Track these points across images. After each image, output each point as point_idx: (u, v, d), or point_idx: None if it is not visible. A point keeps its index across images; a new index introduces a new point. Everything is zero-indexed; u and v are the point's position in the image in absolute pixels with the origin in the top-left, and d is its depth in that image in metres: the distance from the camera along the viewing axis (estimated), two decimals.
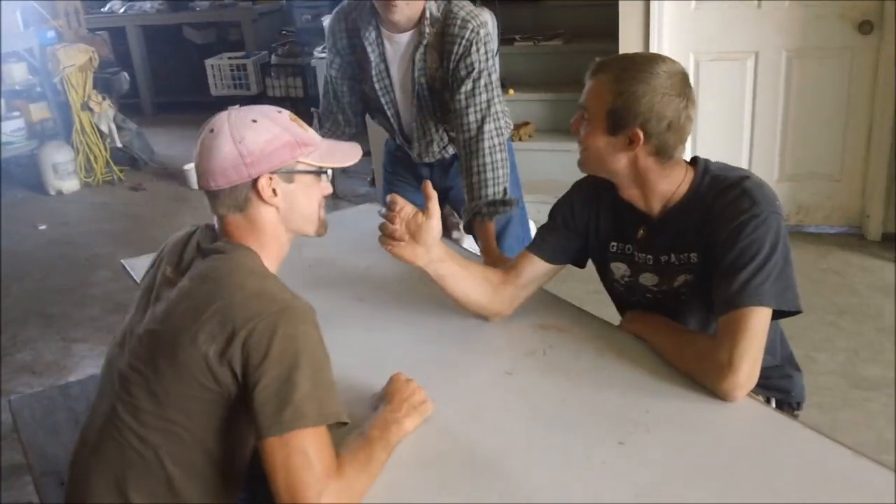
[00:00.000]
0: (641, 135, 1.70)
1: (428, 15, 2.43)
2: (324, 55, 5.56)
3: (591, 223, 1.95)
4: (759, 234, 1.66)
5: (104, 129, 6.11)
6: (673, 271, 1.83)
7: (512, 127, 2.76)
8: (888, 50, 3.94)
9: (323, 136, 1.90)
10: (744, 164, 4.36)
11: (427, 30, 2.43)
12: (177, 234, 1.67)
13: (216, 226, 1.57)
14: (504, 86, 4.99)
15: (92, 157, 6.21)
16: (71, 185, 6.13)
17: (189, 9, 7.68)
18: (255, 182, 1.49)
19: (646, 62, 1.71)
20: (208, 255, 1.51)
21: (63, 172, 6.08)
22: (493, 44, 2.48)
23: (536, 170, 4.44)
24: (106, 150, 6.24)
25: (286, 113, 1.58)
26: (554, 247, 1.96)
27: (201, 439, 1.44)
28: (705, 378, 1.64)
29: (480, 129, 2.42)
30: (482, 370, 1.85)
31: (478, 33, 2.39)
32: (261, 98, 6.77)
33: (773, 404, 1.93)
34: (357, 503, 1.38)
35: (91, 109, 6.03)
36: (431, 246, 1.82)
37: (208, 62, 7.09)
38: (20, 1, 5.99)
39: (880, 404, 2.96)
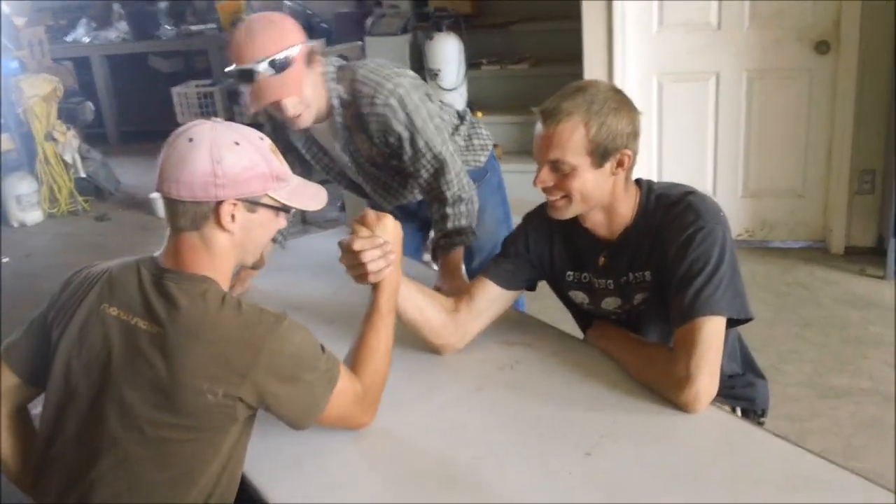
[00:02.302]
0: (630, 152, 1.74)
1: (336, 104, 2.23)
2: None
3: (546, 255, 1.96)
4: (707, 246, 1.69)
5: (68, 159, 6.06)
6: (631, 290, 1.85)
7: (490, 146, 2.65)
8: (845, 69, 4.02)
9: None
10: (708, 182, 4.43)
11: (339, 119, 2.26)
12: (91, 271, 1.58)
13: (167, 245, 1.52)
14: (472, 109, 5.03)
15: (56, 188, 6.14)
16: (34, 216, 6.05)
17: (155, 37, 7.66)
18: (218, 204, 1.46)
19: (591, 89, 1.73)
20: (171, 295, 1.46)
21: (26, 204, 6.00)
22: (417, 93, 2.25)
23: None
24: (70, 180, 6.17)
25: (267, 141, 1.54)
26: (508, 273, 1.95)
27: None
28: (666, 392, 1.67)
29: (438, 183, 2.31)
30: (453, 387, 1.86)
31: (388, 104, 2.19)
32: None
33: (739, 413, 1.96)
34: (384, 376, 1.68)
35: (55, 139, 5.97)
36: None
37: (175, 90, 7.05)
38: None
39: (847, 412, 3.00)
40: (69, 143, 6.05)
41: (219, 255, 1.51)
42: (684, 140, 4.43)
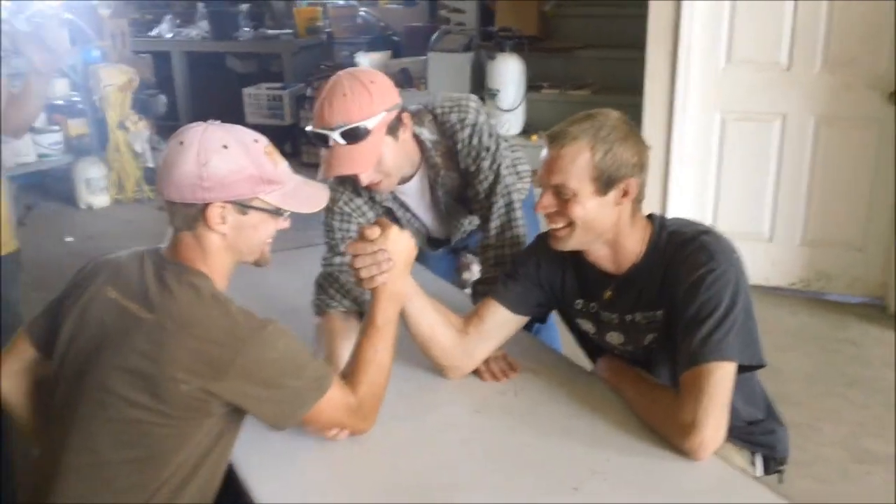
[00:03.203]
0: (635, 182, 1.70)
1: (429, 146, 2.13)
2: None
3: (556, 280, 1.91)
4: (718, 288, 1.63)
5: (138, 148, 6.20)
6: (640, 330, 1.80)
7: (529, 172, 2.51)
8: None
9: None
10: (765, 227, 4.32)
11: (438, 160, 2.16)
12: (109, 258, 1.64)
13: (169, 240, 1.57)
14: (528, 131, 5.02)
15: (124, 175, 6.29)
16: (101, 200, 6.21)
17: (233, 38, 7.82)
18: (206, 206, 1.48)
19: (600, 117, 1.70)
20: (167, 284, 1.50)
21: (95, 188, 6.17)
22: (490, 120, 2.19)
23: None
24: (138, 169, 6.31)
25: (263, 143, 1.55)
26: (516, 296, 1.91)
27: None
28: (670, 436, 1.61)
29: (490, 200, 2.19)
30: (450, 408, 1.84)
31: (477, 121, 2.12)
32: (293, 129, 6.85)
33: (760, 460, 1.88)
34: (382, 388, 1.66)
35: (127, 129, 6.12)
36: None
37: (246, 91, 7.20)
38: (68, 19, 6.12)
39: (881, 479, 2.86)
40: (140, 133, 6.20)
41: (212, 254, 1.53)
42: (744, 181, 4.31)
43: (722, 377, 1.58)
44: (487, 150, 2.14)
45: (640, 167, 1.71)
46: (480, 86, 4.93)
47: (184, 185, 1.46)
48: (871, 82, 3.97)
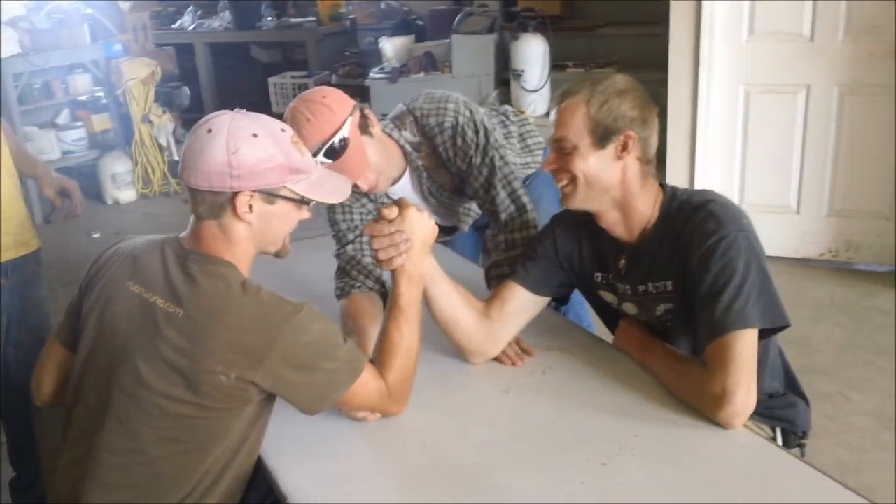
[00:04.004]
0: (634, 135, 1.71)
1: (409, 149, 2.16)
2: (379, 76, 5.67)
3: (574, 256, 1.92)
4: (731, 256, 1.63)
5: (163, 141, 6.25)
6: (651, 301, 1.81)
7: (543, 142, 2.51)
8: None
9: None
10: (792, 198, 4.29)
11: (421, 163, 2.19)
12: (120, 247, 1.64)
13: (190, 229, 1.56)
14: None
15: (150, 169, 6.34)
16: (128, 195, 6.27)
17: (256, 28, 7.85)
18: (234, 194, 1.49)
19: (604, 77, 1.75)
20: (194, 276, 1.50)
21: (121, 182, 6.22)
22: (471, 104, 2.20)
23: None
24: (164, 162, 6.35)
25: (290, 132, 1.56)
26: (537, 277, 1.92)
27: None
28: (703, 409, 1.63)
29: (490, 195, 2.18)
30: (480, 387, 1.86)
31: (458, 122, 2.12)
32: None
33: (779, 434, 1.89)
34: (412, 370, 1.68)
35: (151, 122, 6.17)
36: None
37: (271, 80, 7.23)
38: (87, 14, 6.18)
39: None
40: (164, 126, 6.24)
41: (237, 244, 1.53)
42: (769, 153, 4.28)
43: (746, 345, 1.59)
44: (477, 146, 2.14)
45: (642, 122, 1.72)
46: (504, 67, 4.92)
47: (212, 172, 1.46)
48: (894, 50, 3.92)
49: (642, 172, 1.76)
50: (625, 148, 1.71)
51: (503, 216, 2.16)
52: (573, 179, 1.74)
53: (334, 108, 1.92)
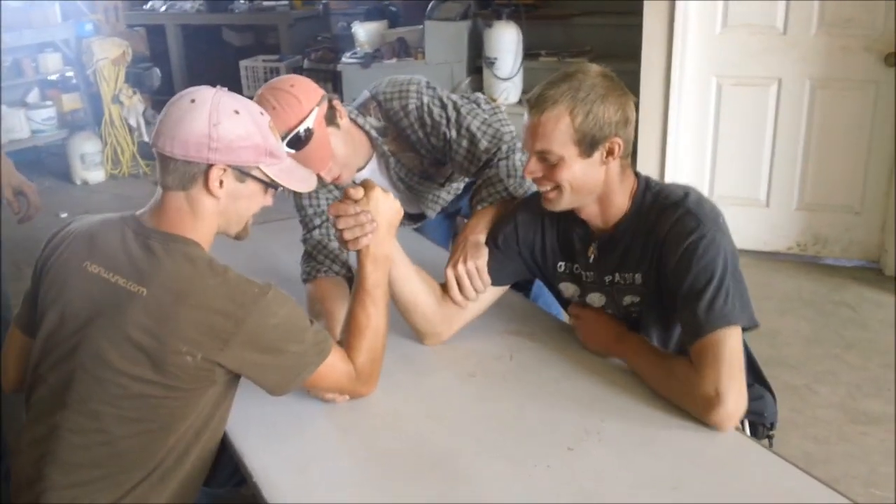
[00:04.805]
0: (620, 141, 1.69)
1: (375, 135, 2.15)
2: (351, 61, 5.62)
3: (537, 245, 1.91)
4: (712, 255, 1.63)
5: (133, 122, 6.18)
6: (619, 291, 1.81)
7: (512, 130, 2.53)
8: None
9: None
10: (762, 191, 4.32)
11: (387, 147, 2.18)
12: (70, 228, 1.61)
13: (152, 203, 1.53)
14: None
15: (119, 150, 6.26)
16: (97, 175, 6.19)
17: (228, 11, 7.77)
18: (208, 167, 1.47)
19: (578, 76, 1.67)
20: (157, 255, 1.47)
21: (90, 163, 6.13)
22: (434, 86, 2.19)
23: None
24: (133, 143, 6.29)
25: (268, 118, 1.57)
26: (496, 268, 1.92)
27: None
28: (693, 410, 1.60)
29: (483, 156, 2.16)
30: (445, 373, 1.85)
31: (421, 103, 2.12)
32: None
33: (747, 426, 1.89)
34: (380, 351, 1.68)
35: (121, 103, 6.10)
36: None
37: (243, 63, 7.16)
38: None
39: (877, 439, 2.88)
40: (134, 106, 6.17)
41: (202, 219, 1.52)
42: (740, 146, 4.30)
43: (732, 343, 1.59)
44: (448, 120, 2.13)
45: (625, 123, 1.69)
46: (478, 55, 4.89)
47: (190, 142, 1.45)
48: (867, 44, 3.95)
49: (622, 167, 1.74)
50: (610, 153, 1.69)
51: (504, 184, 2.11)
52: (558, 187, 1.72)
53: (301, 98, 1.90)
